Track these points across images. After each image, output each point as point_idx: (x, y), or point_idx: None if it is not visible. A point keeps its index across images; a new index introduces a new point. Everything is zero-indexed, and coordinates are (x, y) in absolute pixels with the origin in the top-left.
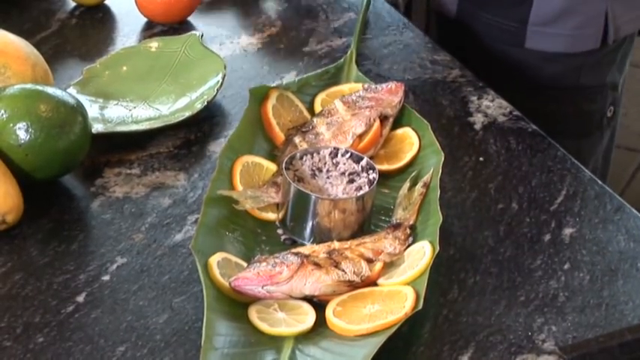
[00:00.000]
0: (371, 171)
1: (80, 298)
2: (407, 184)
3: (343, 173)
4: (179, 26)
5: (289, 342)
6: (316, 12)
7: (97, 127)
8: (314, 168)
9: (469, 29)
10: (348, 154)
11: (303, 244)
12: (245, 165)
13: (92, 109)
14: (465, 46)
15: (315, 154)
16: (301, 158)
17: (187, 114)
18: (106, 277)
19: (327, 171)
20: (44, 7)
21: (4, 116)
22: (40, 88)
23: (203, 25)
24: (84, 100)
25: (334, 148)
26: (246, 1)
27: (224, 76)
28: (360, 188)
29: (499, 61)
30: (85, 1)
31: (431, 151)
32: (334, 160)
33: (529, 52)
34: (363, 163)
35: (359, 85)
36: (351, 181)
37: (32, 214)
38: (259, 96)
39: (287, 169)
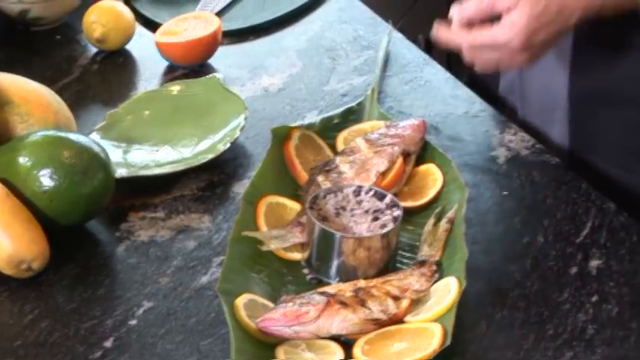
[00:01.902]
0: (395, 208)
1: (108, 344)
2: (431, 221)
3: (367, 211)
4: (200, 68)
5: None
6: (336, 51)
7: (121, 172)
8: (338, 207)
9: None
10: (372, 192)
11: (328, 283)
12: (269, 205)
13: (115, 154)
14: None
15: (338, 193)
16: (325, 197)
17: (210, 156)
18: (133, 322)
19: (351, 209)
20: (66, 54)
21: (28, 163)
22: (62, 134)
23: (224, 66)
24: (107, 144)
25: (357, 186)
26: (265, 42)
27: (246, 117)
28: (384, 225)
29: None
30: (107, 46)
31: (455, 186)
32: (358, 199)
33: None
34: (387, 200)
35: (381, 123)
36: (376, 218)
37: (58, 260)
38: (281, 136)
39: (311, 208)
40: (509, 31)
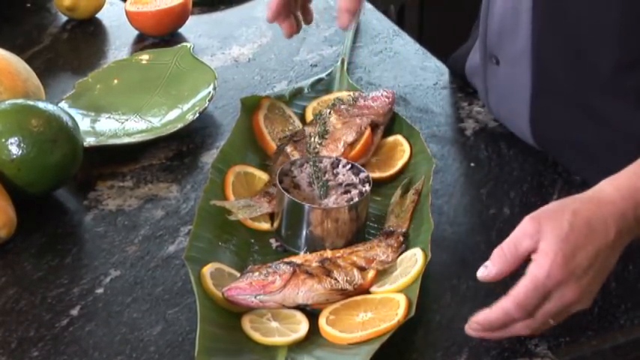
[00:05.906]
0: (367, 184)
1: (74, 312)
2: (399, 192)
3: (340, 184)
4: (170, 38)
5: (283, 351)
6: None
7: (89, 141)
8: (312, 177)
9: None
10: (349, 166)
11: (295, 253)
12: (237, 175)
13: (84, 123)
14: None
15: (317, 163)
16: (301, 165)
17: (179, 125)
18: (100, 290)
19: (327, 180)
20: (36, 22)
21: None
22: (31, 102)
23: (194, 36)
24: (76, 113)
25: (336, 159)
26: (236, 11)
27: (215, 87)
28: (351, 199)
29: None
30: (77, 14)
31: (422, 158)
32: (335, 171)
33: None
34: (362, 176)
35: (350, 94)
36: (346, 192)
37: (26, 228)
38: (251, 106)
39: (285, 175)
40: (544, 260)
